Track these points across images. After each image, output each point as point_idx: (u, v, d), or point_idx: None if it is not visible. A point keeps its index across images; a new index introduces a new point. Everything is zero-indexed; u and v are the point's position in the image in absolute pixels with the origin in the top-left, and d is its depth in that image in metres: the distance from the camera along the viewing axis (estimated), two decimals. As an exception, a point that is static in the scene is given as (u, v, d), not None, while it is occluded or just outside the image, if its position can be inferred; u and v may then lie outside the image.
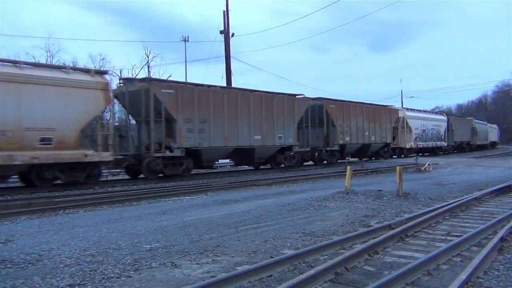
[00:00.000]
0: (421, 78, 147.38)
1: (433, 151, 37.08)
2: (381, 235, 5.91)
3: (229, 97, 18.00)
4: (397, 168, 10.79)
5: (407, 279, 4.14)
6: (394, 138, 30.33)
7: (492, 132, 57.44)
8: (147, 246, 5.89)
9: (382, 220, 7.55)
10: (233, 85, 25.63)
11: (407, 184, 11.87)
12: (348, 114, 24.72)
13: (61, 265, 4.97)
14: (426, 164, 20.27)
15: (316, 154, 23.36)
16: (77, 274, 4.63)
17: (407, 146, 31.96)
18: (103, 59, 42.37)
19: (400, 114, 31.53)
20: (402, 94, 64.69)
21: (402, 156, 31.27)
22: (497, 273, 4.47)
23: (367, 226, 6.93)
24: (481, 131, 50.31)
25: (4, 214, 8.64)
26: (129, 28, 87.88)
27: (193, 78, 66.35)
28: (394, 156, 30.75)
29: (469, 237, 5.70)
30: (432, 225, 6.96)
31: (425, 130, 34.87)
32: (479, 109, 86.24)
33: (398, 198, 10.09)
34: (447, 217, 7.63)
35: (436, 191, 11.66)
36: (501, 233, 5.74)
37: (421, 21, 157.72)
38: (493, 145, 58.19)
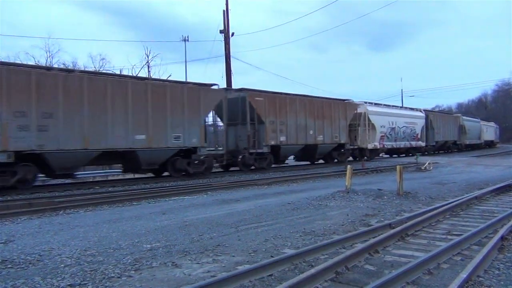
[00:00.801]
0: (421, 77, 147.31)
1: (408, 152, 32.42)
2: (382, 234, 5.91)
3: (94, 85, 13.84)
4: (398, 167, 10.80)
5: (407, 278, 4.15)
6: (356, 138, 26.01)
7: (487, 131, 52.88)
8: (148, 246, 5.89)
9: (382, 219, 7.55)
10: (233, 84, 25.61)
11: (407, 183, 11.87)
12: (283, 109, 20.43)
13: (62, 265, 4.97)
14: (427, 163, 20.28)
15: (240, 157, 19.26)
16: (78, 274, 4.63)
17: (369, 146, 26.44)
18: (103, 59, 42.43)
19: (360, 110, 26.22)
20: (402, 93, 64.46)
21: (365, 158, 25.55)
22: (497, 272, 4.47)
23: (368, 225, 6.93)
24: (472, 129, 45.50)
25: (5, 214, 8.64)
26: (127, 28, 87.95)
27: (192, 78, 66.27)
28: (350, 159, 25.70)
29: (469, 236, 5.71)
30: (433, 224, 6.97)
31: (394, 128, 29.31)
32: (479, 108, 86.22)
33: (398, 197, 10.09)
34: (447, 216, 7.63)
35: (437, 190, 11.67)
36: (501, 232, 5.74)
37: (419, 20, 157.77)
38: (490, 144, 54.26)
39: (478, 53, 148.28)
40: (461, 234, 5.95)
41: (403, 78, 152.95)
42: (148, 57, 41.31)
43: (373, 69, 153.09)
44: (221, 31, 26.59)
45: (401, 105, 32.79)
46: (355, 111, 25.73)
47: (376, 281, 3.86)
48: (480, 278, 4.22)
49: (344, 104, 24.92)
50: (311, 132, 21.98)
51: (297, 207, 9.03)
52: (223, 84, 24.51)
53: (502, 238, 5.53)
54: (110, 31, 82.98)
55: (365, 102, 27.18)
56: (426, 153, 34.50)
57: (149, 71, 40.79)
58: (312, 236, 6.30)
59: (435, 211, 7.50)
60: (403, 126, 30.68)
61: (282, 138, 20.48)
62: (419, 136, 32.95)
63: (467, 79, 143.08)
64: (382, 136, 27.77)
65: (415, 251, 5.37)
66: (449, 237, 6.07)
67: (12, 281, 4.43)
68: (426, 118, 34.64)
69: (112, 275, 4.59)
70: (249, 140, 19.20)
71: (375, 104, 29.14)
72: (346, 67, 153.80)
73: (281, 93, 21.09)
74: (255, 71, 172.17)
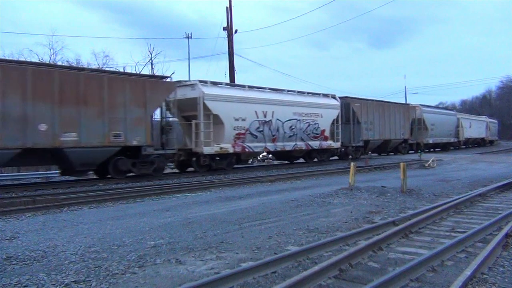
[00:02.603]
0: (425, 74, 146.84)
1: (309, 157, 22.74)
2: (385, 231, 5.91)
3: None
4: (401, 164, 10.79)
5: (411, 275, 4.14)
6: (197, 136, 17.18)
7: (473, 126, 43.65)
8: (152, 242, 5.90)
9: (386, 216, 7.54)
10: (236, 81, 25.52)
11: (411, 180, 11.84)
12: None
13: (66, 262, 5.00)
14: (430, 160, 20.23)
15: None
16: (82, 270, 4.65)
17: (208, 150, 16.90)
18: (106, 56, 42.55)
19: (198, 94, 16.94)
20: (406, 90, 63.96)
21: (206, 165, 17.43)
22: (502, 269, 4.45)
23: (371, 223, 6.92)
24: (439, 124, 35.10)
25: (10, 211, 8.70)
26: (128, 25, 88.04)
27: (195, 75, 66.35)
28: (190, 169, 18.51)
29: (473, 233, 5.69)
30: (436, 221, 6.95)
31: (269, 122, 19.48)
32: (483, 104, 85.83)
33: (402, 195, 10.07)
34: (451, 213, 7.61)
35: (440, 187, 11.63)
36: (505, 229, 5.73)
37: (421, 16, 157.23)
38: (480, 142, 46.73)
39: (482, 50, 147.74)
40: (465, 231, 5.94)
41: (406, 75, 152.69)
42: (151, 54, 41.25)
43: (376, 66, 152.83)
44: (224, 28, 26.52)
45: (296, 90, 21.67)
46: (197, 98, 17.14)
47: (380, 278, 3.85)
48: (485, 275, 4.21)
49: (165, 85, 16.68)
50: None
51: (300, 204, 9.03)
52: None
53: (507, 235, 5.51)
54: (111, 28, 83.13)
55: (200, 82, 17.54)
56: (337, 157, 25.36)
57: (152, 68, 40.79)
58: (315, 233, 6.30)
59: (439, 208, 7.49)
60: (293, 119, 20.71)
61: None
62: (326, 133, 22.71)
63: (471, 75, 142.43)
64: (239, 134, 18.16)
65: (419, 248, 5.35)
66: (453, 234, 6.05)
67: (17, 277, 4.46)
68: (344, 108, 24.53)
69: (116, 271, 4.61)
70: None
71: (220, 84, 18.64)
72: (348, 64, 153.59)
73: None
74: (257, 68, 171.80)
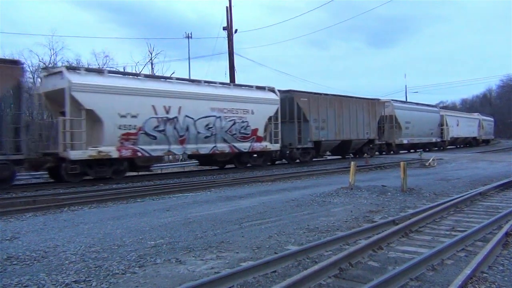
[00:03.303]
0: (425, 73, 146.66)
1: (239, 161, 19.01)
2: (385, 230, 5.91)
3: None
4: (401, 163, 10.79)
5: (411, 274, 4.14)
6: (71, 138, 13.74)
7: (462, 125, 40.10)
8: (152, 242, 5.91)
9: (386, 215, 7.54)
10: (237, 81, 25.51)
11: (411, 180, 11.84)
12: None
13: (66, 262, 5.00)
14: (431, 160, 20.23)
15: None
16: (82, 270, 4.66)
17: (75, 155, 13.42)
18: (106, 56, 42.48)
19: (64, 84, 13.63)
20: (406, 90, 63.91)
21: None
22: (501, 267, 4.46)
23: (371, 222, 6.92)
24: (416, 122, 31.50)
25: (10, 211, 8.71)
26: (127, 25, 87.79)
27: (196, 75, 66.25)
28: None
29: (473, 232, 5.69)
30: (437, 220, 6.95)
31: (174, 119, 15.92)
32: (484, 103, 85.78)
33: (402, 194, 10.07)
34: (451, 212, 7.61)
35: (441, 186, 11.63)
36: (506, 228, 5.72)
37: (421, 15, 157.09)
38: (471, 142, 43.56)
39: (482, 48, 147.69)
40: (465, 230, 5.93)
41: (407, 74, 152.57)
42: (151, 54, 41.21)
43: (375, 65, 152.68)
44: (224, 28, 26.51)
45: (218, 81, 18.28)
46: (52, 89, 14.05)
47: (380, 277, 3.86)
48: (485, 274, 4.21)
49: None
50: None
51: (300, 203, 9.03)
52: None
53: (507, 234, 5.51)
54: (109, 28, 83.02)
55: (68, 68, 14.56)
56: (279, 161, 22.26)
57: (152, 68, 40.79)
58: (315, 233, 6.30)
59: (439, 207, 7.49)
60: (211, 116, 17.13)
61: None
62: (260, 133, 19.06)
63: (472, 74, 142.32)
64: (127, 134, 14.61)
65: (419, 247, 5.35)
66: (453, 233, 6.05)
67: (18, 277, 4.47)
68: (288, 104, 20.93)
69: (117, 271, 4.61)
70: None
71: (101, 72, 15.18)
72: (348, 63, 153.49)
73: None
74: (257, 67, 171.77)
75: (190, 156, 18.65)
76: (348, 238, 5.65)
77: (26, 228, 7.17)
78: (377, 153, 27.92)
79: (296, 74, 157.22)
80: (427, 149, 32.95)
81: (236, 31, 26.73)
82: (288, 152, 21.01)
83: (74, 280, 4.35)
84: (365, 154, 25.30)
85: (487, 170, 16.67)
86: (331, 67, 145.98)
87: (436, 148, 35.27)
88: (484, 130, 47.11)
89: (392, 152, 26.99)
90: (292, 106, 20.87)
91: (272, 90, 20.19)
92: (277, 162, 22.13)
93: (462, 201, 8.42)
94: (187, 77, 17.31)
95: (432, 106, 38.60)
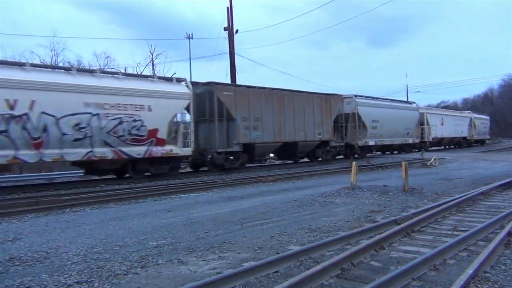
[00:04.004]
0: (426, 73, 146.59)
1: (134, 169, 15.53)
2: (387, 230, 5.89)
3: None
4: (403, 163, 10.78)
5: (413, 274, 4.13)
6: None
7: (450, 124, 37.06)
8: (154, 243, 5.91)
9: (388, 215, 7.53)
10: (237, 81, 25.47)
11: (413, 179, 11.83)
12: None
13: (69, 263, 5.01)
14: (432, 159, 20.21)
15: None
16: (84, 271, 4.66)
17: None
18: (107, 57, 42.47)
19: None
20: (407, 89, 63.68)
21: None
22: (504, 267, 4.44)
23: (373, 222, 6.91)
24: (386, 120, 27.54)
25: (12, 213, 8.73)
26: (127, 26, 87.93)
27: (197, 75, 66.27)
28: None
29: (476, 232, 5.67)
30: (439, 220, 6.94)
31: (19, 118, 12.34)
32: (485, 103, 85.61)
33: (404, 193, 10.05)
34: (453, 212, 7.59)
35: (442, 186, 11.61)
36: (508, 227, 5.70)
37: (421, 15, 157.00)
38: (459, 143, 40.69)
39: (483, 48, 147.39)
40: (467, 230, 5.92)
41: (408, 74, 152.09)
42: (152, 55, 41.19)
43: (376, 65, 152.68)
44: (225, 28, 26.52)
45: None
46: None
47: (382, 278, 3.85)
48: (487, 274, 4.20)
49: None
50: None
51: (302, 203, 9.03)
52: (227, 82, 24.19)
53: (509, 233, 5.49)
54: (109, 29, 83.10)
55: None
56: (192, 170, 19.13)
57: (153, 69, 40.77)
58: (317, 233, 6.29)
59: (441, 207, 7.47)
60: (84, 113, 13.65)
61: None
62: (161, 134, 15.58)
63: (473, 74, 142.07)
64: None
65: (421, 247, 5.34)
66: (455, 233, 6.03)
67: (20, 278, 4.47)
68: (208, 98, 17.73)
69: (119, 272, 4.62)
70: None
71: None
72: (348, 63, 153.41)
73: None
74: (257, 67, 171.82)
75: (74, 164, 15.28)
76: (350, 238, 5.64)
77: (28, 229, 7.18)
78: (342, 156, 25.23)
79: (296, 74, 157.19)
80: (405, 151, 30.34)
81: (237, 31, 26.75)
82: (210, 157, 17.50)
83: (76, 281, 4.35)
84: (320, 158, 22.54)
85: (489, 170, 16.63)
86: (332, 67, 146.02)
87: (416, 150, 31.15)
88: (476, 129, 43.50)
89: (356, 155, 24.24)
90: (212, 102, 17.55)
91: (182, 81, 16.91)
92: (201, 169, 18.84)
93: (464, 200, 8.40)
94: (64, 65, 14.05)
95: (410, 103, 33.76)
